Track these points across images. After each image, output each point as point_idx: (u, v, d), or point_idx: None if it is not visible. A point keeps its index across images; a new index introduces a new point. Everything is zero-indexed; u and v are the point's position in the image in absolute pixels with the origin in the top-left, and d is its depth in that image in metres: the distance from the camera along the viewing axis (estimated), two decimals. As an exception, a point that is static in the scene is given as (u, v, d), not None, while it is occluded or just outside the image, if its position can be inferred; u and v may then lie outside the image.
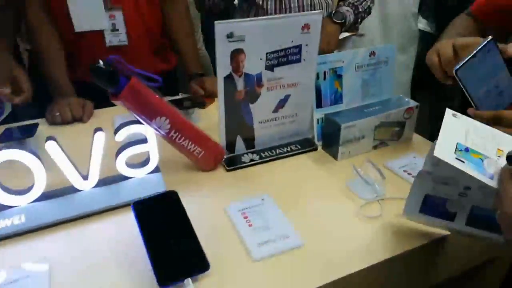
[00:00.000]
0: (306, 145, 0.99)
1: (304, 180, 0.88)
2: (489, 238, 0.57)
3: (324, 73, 0.97)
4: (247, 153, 0.95)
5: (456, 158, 0.51)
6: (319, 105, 0.98)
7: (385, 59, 1.02)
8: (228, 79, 0.85)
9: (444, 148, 0.52)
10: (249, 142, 0.95)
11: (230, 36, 0.80)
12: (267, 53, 0.86)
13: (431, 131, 0.87)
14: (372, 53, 1.00)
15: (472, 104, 0.67)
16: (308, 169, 0.92)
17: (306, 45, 0.89)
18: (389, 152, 0.97)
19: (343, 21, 1.24)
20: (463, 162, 0.50)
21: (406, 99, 1.01)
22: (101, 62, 0.69)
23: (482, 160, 0.51)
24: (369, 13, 1.39)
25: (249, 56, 0.84)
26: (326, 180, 0.87)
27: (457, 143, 0.53)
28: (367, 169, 0.84)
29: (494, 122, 0.63)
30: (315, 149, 0.99)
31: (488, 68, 0.66)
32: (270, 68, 0.88)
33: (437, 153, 0.51)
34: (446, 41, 0.75)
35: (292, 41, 0.87)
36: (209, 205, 0.79)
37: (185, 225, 0.64)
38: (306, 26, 0.87)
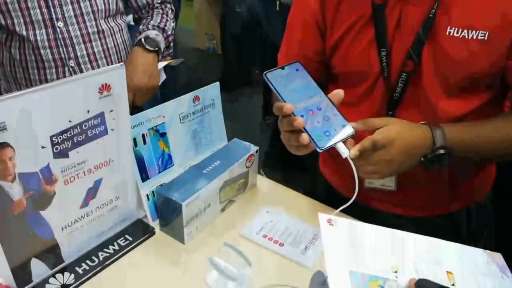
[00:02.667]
0: (140, 232, 0.75)
1: (149, 286, 0.65)
2: None
3: (143, 136, 0.73)
4: (54, 276, 0.64)
5: None
6: (145, 177, 0.75)
7: (211, 101, 0.85)
8: (-7, 190, 0.52)
9: (337, 280, 0.39)
10: (53, 259, 0.65)
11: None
12: (51, 137, 0.57)
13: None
14: (196, 98, 0.82)
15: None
16: (150, 268, 0.69)
17: (111, 111, 0.63)
18: (239, 211, 0.83)
19: (157, 48, 1.01)
20: None
21: (244, 144, 0.87)
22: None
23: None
24: (173, 33, 1.19)
25: (21, 149, 0.54)
26: (179, 280, 0.66)
27: (350, 272, 0.40)
28: (228, 254, 0.67)
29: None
30: (153, 233, 0.76)
31: (298, 84, 0.62)
32: (62, 154, 0.59)
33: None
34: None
35: (88, 111, 0.60)
36: None
37: None
38: (105, 87, 0.61)
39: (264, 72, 0.60)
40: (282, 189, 0.90)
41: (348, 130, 0.60)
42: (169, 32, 1.10)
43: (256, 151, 0.85)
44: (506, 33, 0.59)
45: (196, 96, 0.81)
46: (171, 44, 1.14)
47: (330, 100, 0.61)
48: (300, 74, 0.62)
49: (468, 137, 0.63)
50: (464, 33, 0.60)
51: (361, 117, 0.64)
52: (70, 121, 0.59)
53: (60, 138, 0.58)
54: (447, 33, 0.61)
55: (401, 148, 0.59)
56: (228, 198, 0.82)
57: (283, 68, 0.62)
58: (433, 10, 0.60)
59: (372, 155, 0.60)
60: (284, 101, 0.58)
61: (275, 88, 0.59)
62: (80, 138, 0.61)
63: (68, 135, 0.59)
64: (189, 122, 0.81)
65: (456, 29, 0.60)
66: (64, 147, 0.59)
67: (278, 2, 1.96)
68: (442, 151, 0.60)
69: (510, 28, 0.59)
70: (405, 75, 0.65)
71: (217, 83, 0.86)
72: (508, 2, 0.58)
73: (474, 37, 0.59)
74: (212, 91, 0.85)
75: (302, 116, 0.58)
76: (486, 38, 0.59)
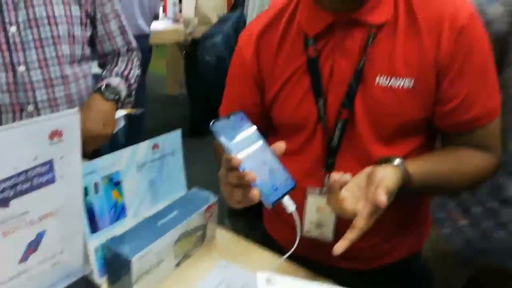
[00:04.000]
0: (84, 290, 0.69)
1: None
2: None
3: (96, 184, 0.70)
4: None
5: None
6: (94, 228, 0.70)
7: (171, 150, 0.83)
8: None
9: None
10: (-18, 321, 0.58)
11: None
12: (-9, 185, 0.53)
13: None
14: (155, 146, 0.80)
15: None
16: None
17: (61, 157, 0.60)
18: (195, 266, 0.78)
19: (117, 97, 0.99)
20: None
21: (203, 193, 0.85)
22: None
23: None
24: (137, 81, 1.18)
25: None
26: None
27: None
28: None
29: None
30: (99, 291, 0.70)
31: (243, 135, 0.60)
32: (1, 203, 0.55)
33: None
34: None
35: (35, 158, 0.57)
36: None
37: None
38: (56, 133, 0.58)
39: (212, 122, 0.58)
40: (242, 242, 0.87)
41: (291, 183, 0.60)
42: (132, 81, 1.09)
43: (217, 201, 0.83)
44: (430, 80, 0.64)
45: (156, 143, 0.79)
46: (133, 92, 1.13)
47: (273, 152, 0.60)
48: (245, 123, 0.61)
49: (423, 175, 0.64)
50: (392, 82, 0.64)
51: (302, 166, 0.68)
52: (15, 168, 0.55)
53: (1, 186, 0.54)
54: (376, 83, 0.65)
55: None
56: (184, 252, 0.78)
57: (228, 117, 0.61)
58: (362, 62, 0.65)
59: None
60: (232, 153, 0.57)
61: (223, 139, 0.58)
62: (24, 186, 0.57)
63: (11, 183, 0.55)
64: (147, 170, 0.78)
65: (384, 78, 0.65)
66: (5, 196, 0.55)
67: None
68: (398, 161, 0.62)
69: (433, 75, 0.63)
70: (341, 123, 0.68)
71: (179, 131, 0.85)
72: (429, 50, 0.62)
73: (401, 85, 0.64)
74: (172, 139, 0.83)
75: (250, 169, 0.56)
76: (412, 86, 0.63)
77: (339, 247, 0.57)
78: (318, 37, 0.67)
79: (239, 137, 0.59)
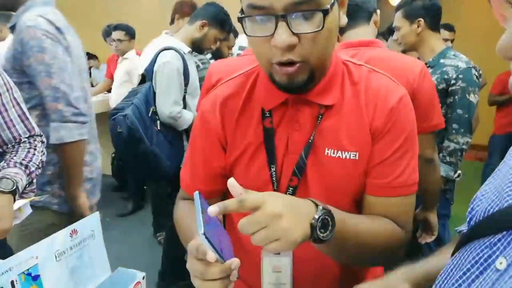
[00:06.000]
0: None
1: None
2: None
3: (12, 283, 0.67)
4: None
5: None
6: (13, 331, 0.66)
7: (91, 232, 0.83)
8: None
9: None
10: None
11: None
12: None
13: None
14: (73, 232, 0.79)
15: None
16: None
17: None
18: None
19: (14, 188, 0.96)
20: None
21: (129, 272, 0.85)
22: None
23: None
24: (41, 167, 1.15)
25: None
26: None
27: None
28: None
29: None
30: None
31: (211, 220, 0.58)
32: None
33: None
34: None
35: None
36: None
37: None
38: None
39: (202, 232, 0.53)
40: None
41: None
42: (33, 169, 1.07)
43: (143, 277, 0.84)
44: (369, 150, 0.71)
45: (74, 229, 0.79)
46: (35, 180, 1.11)
47: (220, 223, 0.62)
48: (204, 206, 0.57)
49: (348, 221, 0.67)
50: (339, 154, 0.71)
51: None
52: None
53: None
54: (325, 154, 0.72)
55: (285, 201, 0.59)
56: (114, 336, 0.76)
57: (202, 211, 0.55)
58: (312, 136, 0.72)
59: (256, 216, 0.56)
60: (223, 259, 0.55)
61: (213, 246, 0.54)
62: None
63: None
64: (67, 258, 0.77)
65: (332, 150, 0.71)
66: None
67: (158, 122, 2.08)
68: (326, 217, 0.61)
69: (371, 145, 0.72)
70: (291, 189, 0.74)
71: (97, 213, 0.86)
72: (366, 123, 0.72)
73: (347, 157, 0.71)
74: (91, 222, 0.84)
75: (228, 256, 0.56)
76: (357, 158, 0.71)
77: None
78: (274, 110, 0.73)
79: (211, 227, 0.56)
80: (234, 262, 0.56)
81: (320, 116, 0.72)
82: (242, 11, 0.65)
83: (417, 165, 0.76)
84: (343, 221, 0.64)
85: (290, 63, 0.64)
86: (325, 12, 0.60)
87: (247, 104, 0.77)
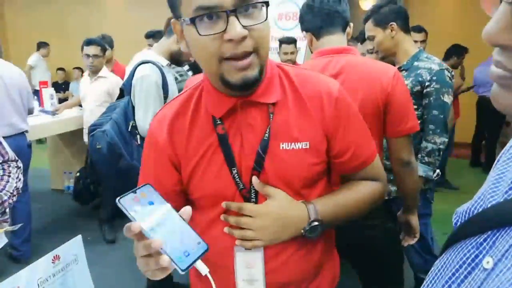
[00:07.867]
0: None
1: None
2: None
3: (-8, 317, 0.65)
4: None
5: None
6: None
7: (73, 257, 0.81)
8: None
9: None
10: None
11: None
12: None
13: None
14: (55, 257, 0.77)
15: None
16: None
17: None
18: None
19: None
20: None
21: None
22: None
23: None
24: (15, 194, 1.12)
25: None
26: None
27: None
28: None
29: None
30: None
31: (151, 205, 0.62)
32: None
33: None
34: None
35: None
36: None
37: None
38: None
39: (117, 198, 0.60)
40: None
41: (203, 246, 0.62)
42: (5, 197, 1.04)
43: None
44: (321, 142, 0.80)
45: (56, 255, 0.77)
46: (7, 209, 1.07)
47: (182, 218, 0.63)
48: (152, 194, 0.63)
49: (332, 209, 0.80)
50: (293, 145, 0.78)
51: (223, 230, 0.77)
52: None
53: None
54: (280, 148, 0.78)
55: (274, 216, 0.76)
56: None
57: (135, 192, 0.63)
58: (267, 134, 0.77)
59: (248, 222, 0.75)
60: (137, 222, 0.58)
61: (127, 211, 0.59)
62: None
63: None
64: (49, 286, 0.75)
65: (286, 144, 0.78)
66: None
67: (138, 136, 2.05)
68: (316, 223, 0.76)
69: (324, 138, 0.80)
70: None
71: (79, 237, 0.84)
72: (316, 120, 0.78)
73: (300, 147, 0.78)
74: (73, 246, 0.81)
75: (158, 237, 0.58)
76: (308, 147, 0.78)
77: None
78: (224, 118, 0.77)
79: (147, 208, 0.61)
80: (155, 242, 0.57)
81: (271, 114, 0.77)
82: (178, 16, 0.71)
83: (370, 133, 0.87)
84: (332, 212, 0.79)
85: (243, 57, 0.68)
86: (267, 4, 0.68)
87: (195, 117, 0.80)
